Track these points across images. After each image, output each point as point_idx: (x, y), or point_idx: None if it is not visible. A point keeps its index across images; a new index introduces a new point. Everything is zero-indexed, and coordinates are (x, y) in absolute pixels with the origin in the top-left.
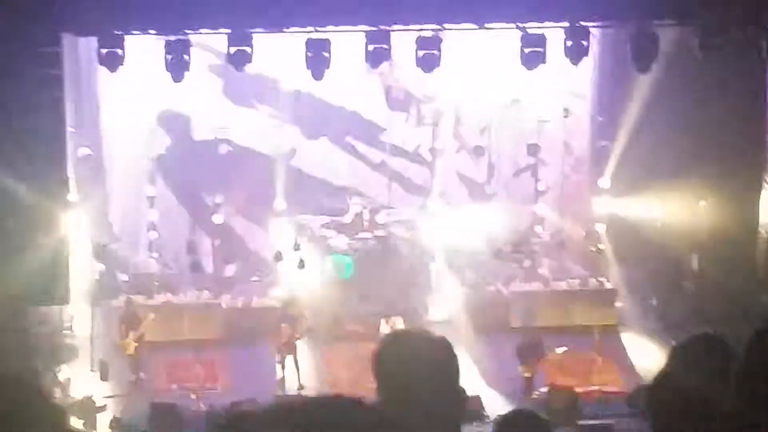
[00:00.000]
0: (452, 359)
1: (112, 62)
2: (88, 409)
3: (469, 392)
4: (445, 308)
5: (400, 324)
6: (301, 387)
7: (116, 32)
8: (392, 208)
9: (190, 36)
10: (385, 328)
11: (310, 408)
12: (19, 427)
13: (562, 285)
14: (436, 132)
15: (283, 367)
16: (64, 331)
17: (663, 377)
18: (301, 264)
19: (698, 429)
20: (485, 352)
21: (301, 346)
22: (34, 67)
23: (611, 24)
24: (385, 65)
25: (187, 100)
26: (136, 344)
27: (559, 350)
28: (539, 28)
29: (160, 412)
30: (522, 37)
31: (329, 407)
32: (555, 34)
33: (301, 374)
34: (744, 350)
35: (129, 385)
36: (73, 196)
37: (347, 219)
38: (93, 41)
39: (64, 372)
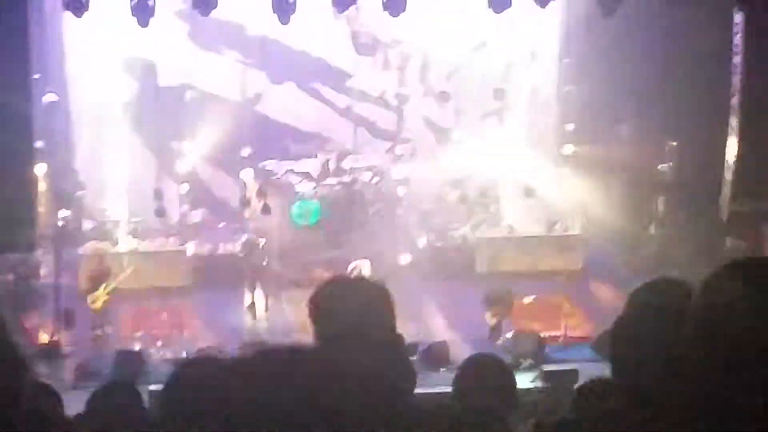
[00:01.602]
0: (387, 305)
1: (77, 7)
2: (53, 356)
3: (435, 338)
4: (411, 254)
5: (366, 269)
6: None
7: None
8: (358, 153)
9: None
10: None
11: (261, 357)
12: None
13: (528, 230)
14: (403, 77)
15: (252, 306)
16: (30, 279)
17: (622, 321)
18: (267, 210)
19: (656, 372)
20: (451, 298)
21: (268, 291)
22: None
23: None
24: (351, 9)
25: (153, 46)
26: (106, 298)
27: (527, 300)
28: None
29: (126, 359)
30: None
31: (280, 356)
32: None
33: (269, 322)
34: (698, 291)
35: (94, 339)
36: (38, 142)
37: (313, 165)
38: None
39: (29, 320)
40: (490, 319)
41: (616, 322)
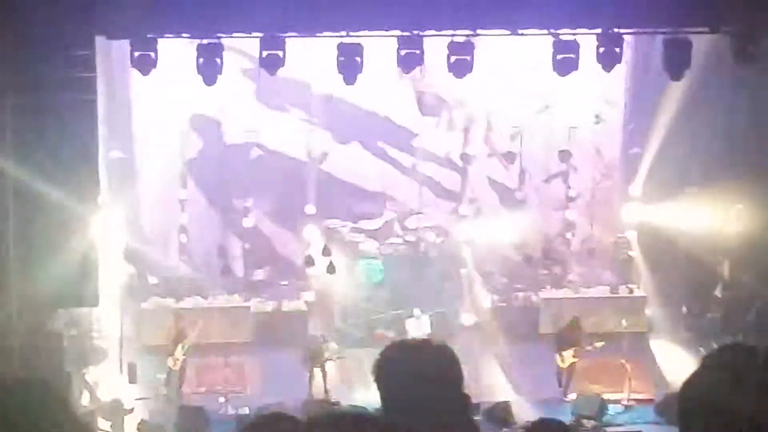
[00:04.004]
0: (453, 366)
1: (145, 65)
2: (116, 411)
3: (498, 398)
4: (475, 314)
5: (426, 325)
6: (327, 392)
7: (149, 35)
8: (423, 213)
9: (222, 39)
10: (411, 327)
11: (327, 421)
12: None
13: (592, 292)
14: (468, 137)
15: (311, 372)
16: (93, 334)
17: (692, 386)
18: (331, 268)
19: None
20: (514, 358)
21: (331, 349)
22: (66, 69)
23: (644, 31)
24: (417, 70)
25: (219, 104)
26: (184, 357)
27: (598, 344)
28: (572, 34)
29: (188, 414)
30: (554, 44)
31: (346, 422)
32: (588, 41)
33: (329, 379)
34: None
35: (171, 399)
36: (104, 198)
37: (378, 224)
38: (126, 44)
39: (92, 374)
40: (560, 363)
41: (685, 387)
